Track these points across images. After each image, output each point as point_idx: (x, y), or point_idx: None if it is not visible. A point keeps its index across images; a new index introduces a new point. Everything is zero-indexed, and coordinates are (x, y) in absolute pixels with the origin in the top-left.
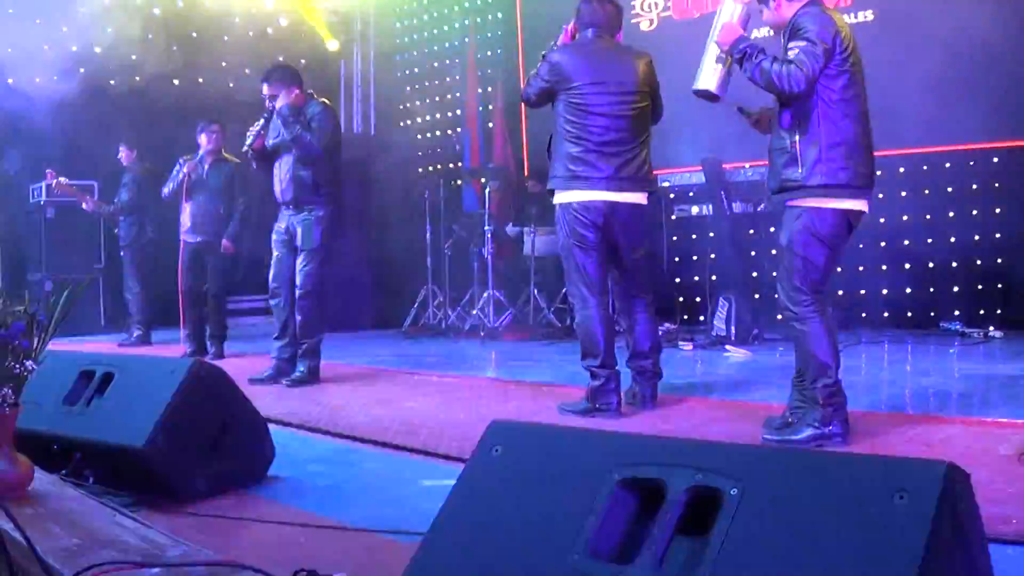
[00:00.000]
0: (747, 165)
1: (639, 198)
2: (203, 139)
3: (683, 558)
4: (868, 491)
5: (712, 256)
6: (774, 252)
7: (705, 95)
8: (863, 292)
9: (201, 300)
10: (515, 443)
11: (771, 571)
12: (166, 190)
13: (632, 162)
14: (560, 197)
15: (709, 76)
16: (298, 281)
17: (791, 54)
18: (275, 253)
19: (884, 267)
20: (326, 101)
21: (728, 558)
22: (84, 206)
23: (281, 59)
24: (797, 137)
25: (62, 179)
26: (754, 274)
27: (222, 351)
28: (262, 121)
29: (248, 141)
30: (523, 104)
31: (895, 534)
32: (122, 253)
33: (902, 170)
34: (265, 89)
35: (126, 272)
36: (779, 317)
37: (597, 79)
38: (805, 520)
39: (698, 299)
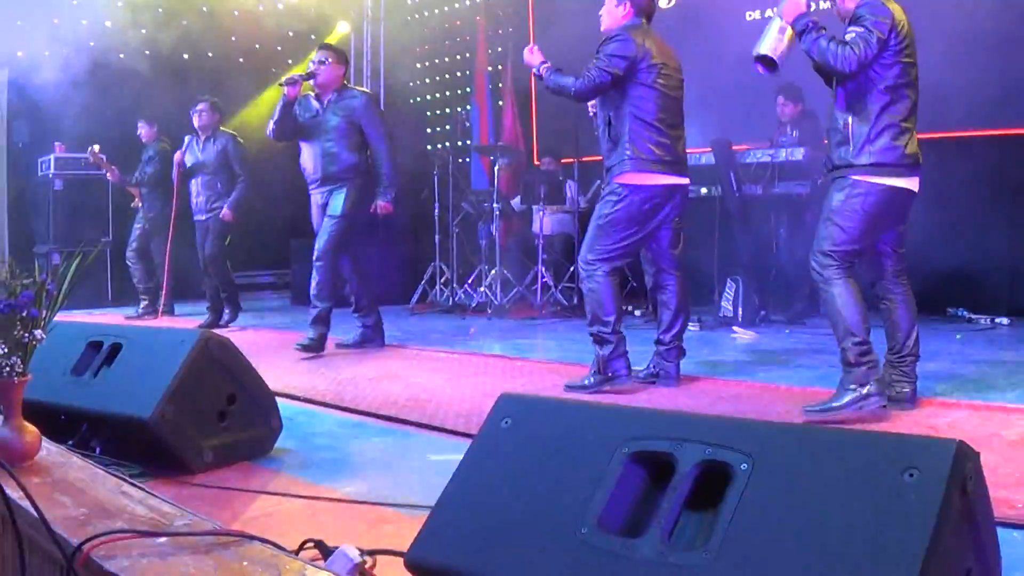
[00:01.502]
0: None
1: (688, 180)
2: (196, 118)
3: (692, 532)
4: (878, 468)
5: (720, 237)
6: (782, 231)
7: (764, 61)
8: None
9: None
10: (524, 416)
11: (780, 546)
12: (174, 172)
13: (683, 144)
14: (634, 179)
15: (770, 43)
16: (316, 244)
17: (848, 37)
18: (319, 227)
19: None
20: (367, 91)
21: (737, 533)
22: (109, 176)
23: (291, 34)
24: (850, 119)
25: (95, 147)
26: (768, 254)
27: (236, 313)
28: (304, 74)
29: (284, 78)
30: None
31: (905, 511)
32: (146, 226)
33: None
34: (319, 55)
35: (148, 246)
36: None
37: (667, 62)
38: (815, 496)
39: (705, 280)
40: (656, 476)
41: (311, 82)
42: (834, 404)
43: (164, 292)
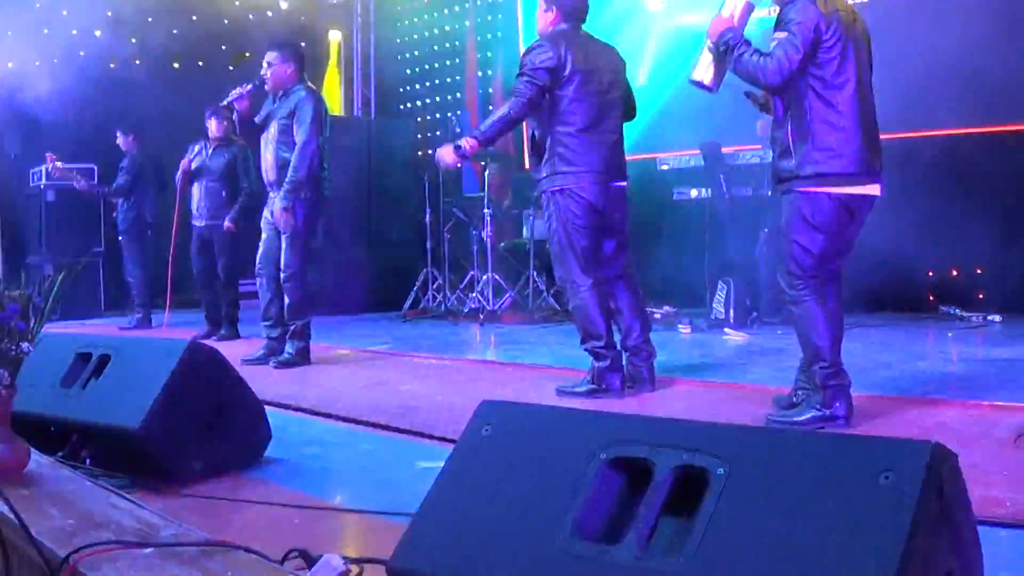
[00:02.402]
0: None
1: (625, 183)
2: (212, 124)
3: (669, 537)
4: (854, 471)
5: (711, 239)
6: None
7: (699, 86)
8: (861, 275)
9: (212, 282)
10: (504, 423)
11: (757, 551)
12: (179, 176)
13: (617, 146)
14: (563, 182)
15: (702, 68)
16: (283, 263)
17: (772, 45)
18: (263, 235)
19: (881, 250)
20: (311, 86)
21: (714, 537)
22: (75, 185)
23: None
24: (789, 127)
25: (58, 163)
26: (760, 255)
27: (235, 332)
28: (250, 86)
29: (230, 96)
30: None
31: (880, 514)
32: (121, 237)
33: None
34: (266, 57)
35: (125, 256)
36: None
37: (591, 67)
38: (791, 500)
39: (697, 282)
40: (634, 482)
41: (266, 87)
42: (796, 418)
43: (168, 302)
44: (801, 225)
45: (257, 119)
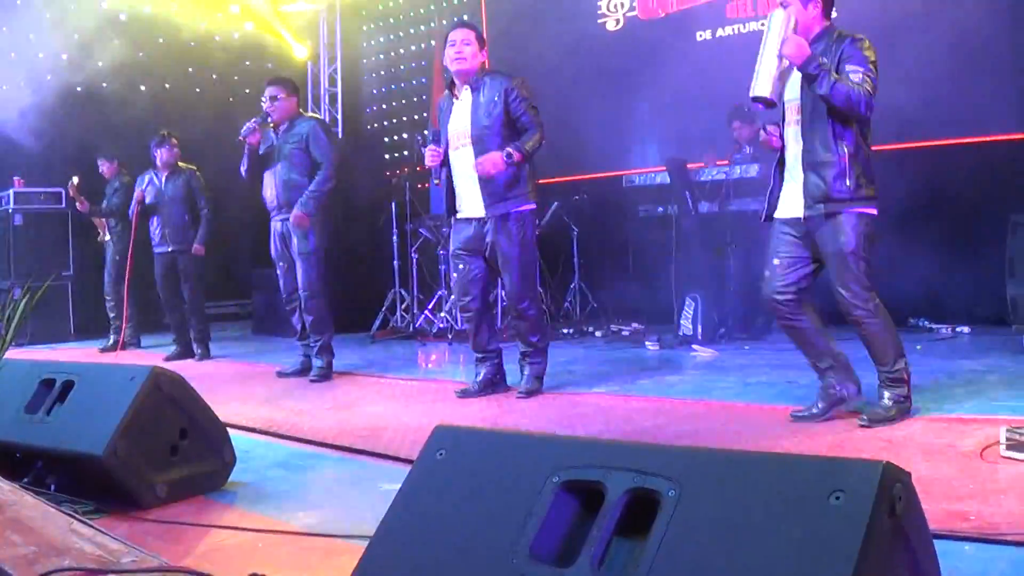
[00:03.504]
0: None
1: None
2: (160, 154)
3: (622, 560)
4: (804, 492)
5: (678, 256)
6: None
7: (761, 101)
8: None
9: (180, 305)
10: (458, 447)
11: (708, 572)
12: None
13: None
14: (528, 203)
15: (766, 83)
16: (300, 283)
17: (855, 78)
18: (281, 264)
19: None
20: (317, 116)
21: (666, 559)
22: (79, 207)
23: (248, 64)
24: (845, 151)
25: (75, 180)
26: (727, 271)
27: (208, 352)
28: (259, 118)
29: (242, 131)
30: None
31: (831, 534)
32: (117, 257)
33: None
34: (269, 91)
35: (111, 279)
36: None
37: None
38: (742, 521)
39: (664, 299)
40: (587, 504)
41: (269, 119)
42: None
43: (123, 326)
44: (864, 243)
45: (262, 145)
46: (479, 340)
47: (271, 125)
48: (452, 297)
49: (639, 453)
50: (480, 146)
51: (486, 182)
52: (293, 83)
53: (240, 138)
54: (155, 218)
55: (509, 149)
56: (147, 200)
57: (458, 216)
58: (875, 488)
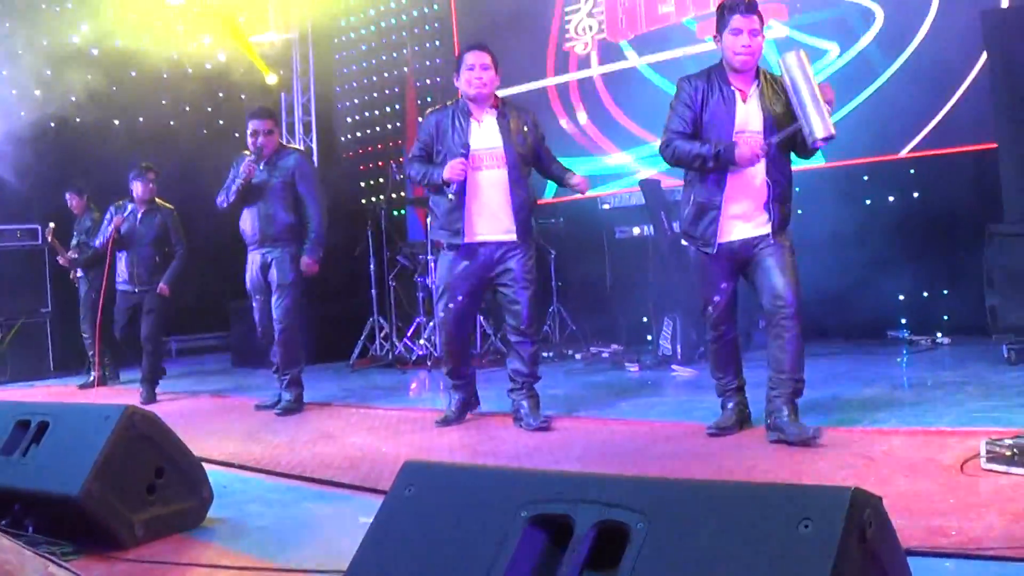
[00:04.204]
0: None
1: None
2: (138, 187)
3: None
4: (773, 521)
5: (654, 276)
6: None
7: (829, 139)
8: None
9: (136, 344)
10: (427, 483)
11: None
12: (98, 242)
13: None
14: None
15: (828, 123)
16: (275, 315)
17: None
18: (257, 297)
19: (828, 279)
20: (299, 149)
21: None
22: (60, 260)
23: (221, 95)
24: (789, 178)
25: (52, 227)
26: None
27: (154, 395)
28: (253, 156)
29: (243, 172)
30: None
31: (800, 563)
32: (92, 295)
33: (840, 181)
34: (259, 125)
35: (85, 316)
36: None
37: None
38: (711, 552)
39: (643, 319)
40: (556, 539)
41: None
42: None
43: (97, 363)
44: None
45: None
46: (462, 369)
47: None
48: (431, 323)
49: (607, 485)
50: (516, 172)
51: (520, 207)
52: (275, 114)
53: (242, 180)
54: (124, 255)
55: (577, 174)
56: (122, 231)
57: (469, 240)
58: (844, 515)
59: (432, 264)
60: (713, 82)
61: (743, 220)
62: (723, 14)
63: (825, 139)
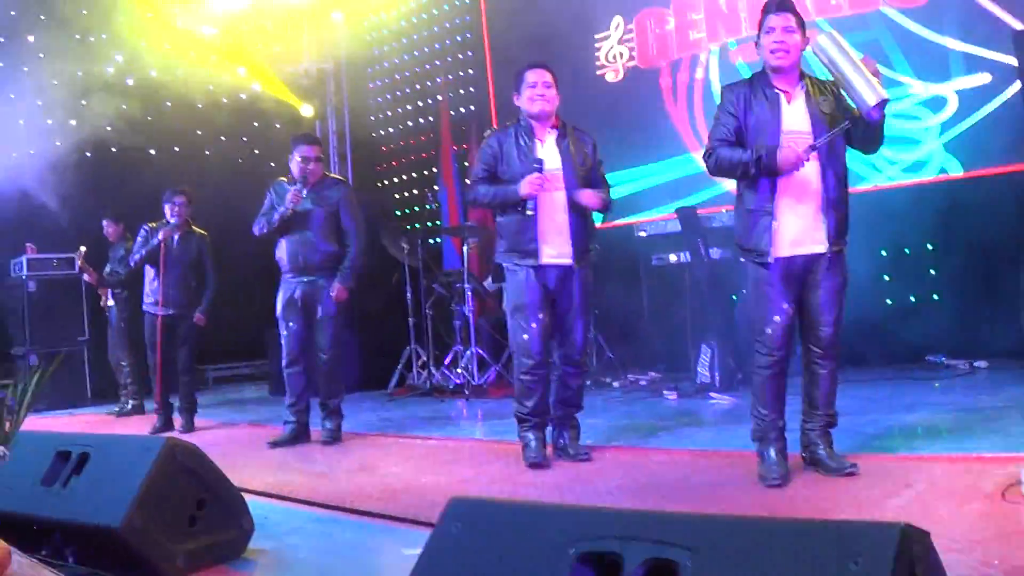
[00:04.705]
0: (723, 210)
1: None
2: (175, 210)
3: None
4: (823, 559)
5: (692, 303)
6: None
7: (883, 104)
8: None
9: (169, 371)
10: (474, 519)
11: None
12: (136, 257)
13: None
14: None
15: (879, 88)
16: (322, 345)
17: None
18: (290, 324)
19: (866, 303)
20: (344, 180)
21: None
22: (87, 278)
23: (256, 124)
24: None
25: (83, 250)
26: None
27: (192, 424)
28: (300, 185)
29: (289, 202)
30: None
31: None
32: (122, 324)
33: (876, 204)
34: (309, 152)
35: (117, 343)
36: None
37: None
38: None
39: (680, 347)
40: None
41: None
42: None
43: (159, 389)
44: None
45: (276, 203)
46: (546, 401)
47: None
48: (468, 352)
49: (656, 522)
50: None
51: (580, 230)
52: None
53: (288, 209)
54: (155, 276)
55: (604, 196)
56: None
57: (538, 262)
58: (894, 552)
59: (469, 293)
60: (756, 86)
61: (799, 229)
62: (761, 19)
63: (879, 105)
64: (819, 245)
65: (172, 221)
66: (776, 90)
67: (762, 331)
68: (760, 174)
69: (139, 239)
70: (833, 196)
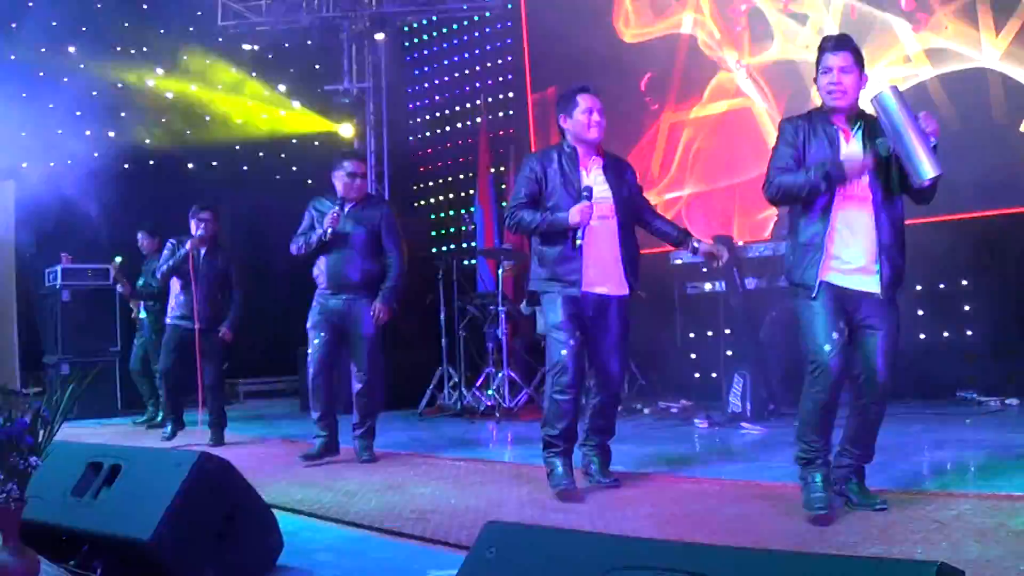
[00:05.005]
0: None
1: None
2: (194, 226)
3: None
4: None
5: (725, 332)
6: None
7: (936, 179)
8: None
9: (182, 384)
10: (509, 545)
11: None
12: (164, 268)
13: None
14: None
15: (935, 160)
16: (361, 365)
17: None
18: (321, 335)
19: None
20: (384, 198)
21: None
22: (120, 288)
23: (294, 141)
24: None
25: (118, 261)
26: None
27: (222, 438)
28: (338, 206)
29: (329, 224)
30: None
31: None
32: (154, 336)
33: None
34: (357, 168)
35: (151, 355)
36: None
37: None
38: None
39: (713, 375)
40: None
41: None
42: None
43: (201, 400)
44: None
45: (317, 220)
46: (575, 426)
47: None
48: (500, 374)
49: (690, 553)
50: (626, 222)
51: (629, 260)
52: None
53: (327, 232)
54: (182, 290)
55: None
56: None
57: (579, 292)
58: None
59: (503, 315)
60: (815, 123)
61: (850, 269)
62: (819, 56)
63: (933, 179)
64: (871, 287)
65: (199, 235)
66: (835, 127)
67: (816, 351)
68: (830, 188)
69: (165, 251)
70: (887, 241)
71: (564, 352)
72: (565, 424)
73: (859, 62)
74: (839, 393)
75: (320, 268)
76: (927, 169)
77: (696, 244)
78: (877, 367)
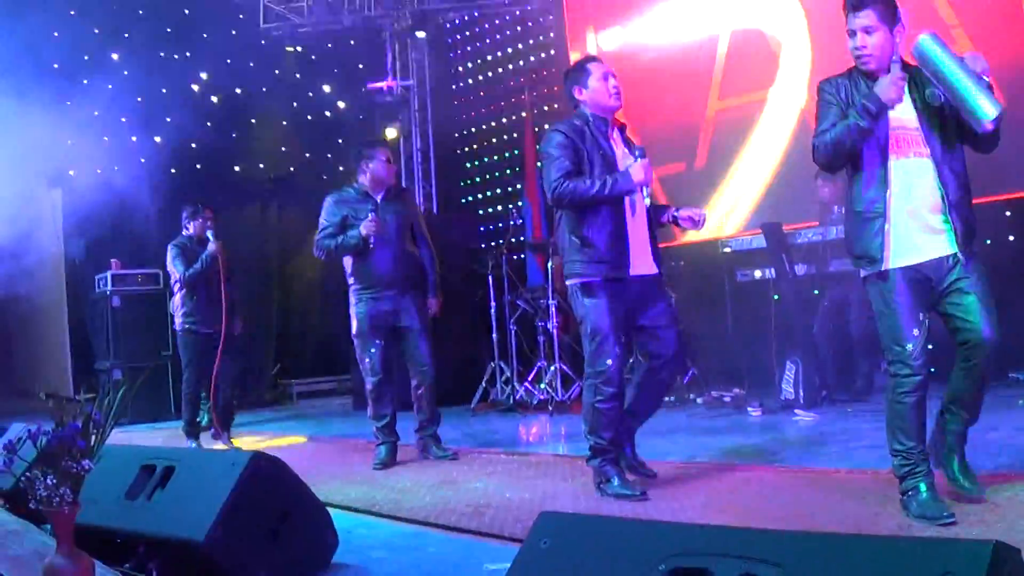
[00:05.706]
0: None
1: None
2: (199, 226)
3: None
4: (915, 575)
5: (777, 319)
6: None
7: (1000, 118)
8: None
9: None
10: (563, 535)
11: None
12: (198, 268)
13: None
14: None
15: (992, 99)
16: (423, 360)
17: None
18: (377, 342)
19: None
20: (404, 188)
21: None
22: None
23: (340, 142)
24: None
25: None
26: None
27: (229, 439)
28: (374, 211)
29: (367, 229)
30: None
31: None
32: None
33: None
34: (388, 154)
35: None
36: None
37: None
38: None
39: (764, 363)
40: None
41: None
42: None
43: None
44: None
45: (352, 218)
46: (620, 431)
47: (355, 190)
48: (552, 368)
49: (745, 538)
50: (649, 198)
51: (655, 238)
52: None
53: (365, 234)
54: (198, 294)
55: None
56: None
57: (627, 274)
58: (985, 570)
59: (554, 308)
60: (855, 79)
61: (919, 232)
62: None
63: (996, 120)
64: (946, 248)
65: (210, 236)
66: None
67: (898, 350)
68: (873, 123)
69: (172, 254)
70: (954, 197)
71: (610, 362)
72: (612, 433)
73: (886, 16)
74: (928, 386)
75: (365, 264)
76: (987, 110)
77: (675, 213)
78: (980, 327)
